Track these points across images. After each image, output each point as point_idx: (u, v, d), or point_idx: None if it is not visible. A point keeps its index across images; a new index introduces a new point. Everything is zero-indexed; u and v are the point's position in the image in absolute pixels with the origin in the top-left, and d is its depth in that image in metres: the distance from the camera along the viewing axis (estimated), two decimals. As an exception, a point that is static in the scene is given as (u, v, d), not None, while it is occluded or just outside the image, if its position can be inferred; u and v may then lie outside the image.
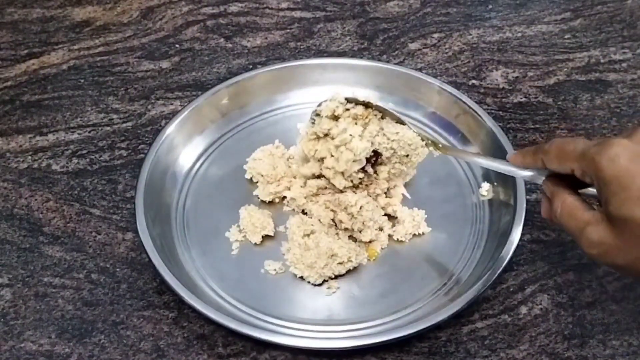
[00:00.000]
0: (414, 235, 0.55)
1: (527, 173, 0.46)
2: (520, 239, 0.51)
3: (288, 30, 0.77)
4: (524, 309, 0.51)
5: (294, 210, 0.57)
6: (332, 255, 0.51)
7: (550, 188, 0.43)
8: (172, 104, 0.68)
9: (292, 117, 0.64)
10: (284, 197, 0.57)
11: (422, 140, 0.53)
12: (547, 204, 0.44)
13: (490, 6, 0.80)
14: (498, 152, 0.57)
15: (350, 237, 0.53)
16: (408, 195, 0.57)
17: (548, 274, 0.53)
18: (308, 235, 0.53)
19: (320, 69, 0.66)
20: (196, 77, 0.71)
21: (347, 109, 0.53)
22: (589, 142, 0.39)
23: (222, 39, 0.76)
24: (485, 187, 0.58)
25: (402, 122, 0.53)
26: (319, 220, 0.54)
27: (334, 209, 0.54)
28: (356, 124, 0.53)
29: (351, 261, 0.52)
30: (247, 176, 0.59)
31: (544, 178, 0.44)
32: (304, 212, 0.56)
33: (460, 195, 0.58)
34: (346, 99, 0.52)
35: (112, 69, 0.72)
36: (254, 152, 0.60)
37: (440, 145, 0.53)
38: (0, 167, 0.62)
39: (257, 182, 0.58)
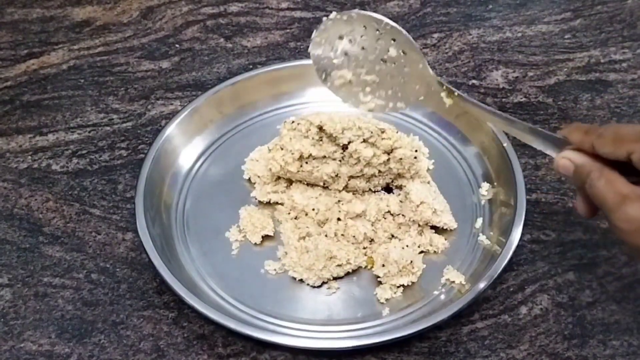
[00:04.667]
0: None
1: (543, 142, 0.45)
2: (520, 239, 0.51)
3: (288, 30, 0.77)
4: (524, 309, 0.51)
5: (289, 213, 0.56)
6: (330, 258, 0.51)
7: (577, 158, 0.42)
8: (172, 104, 0.68)
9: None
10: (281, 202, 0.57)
11: (438, 86, 0.51)
12: (581, 168, 0.42)
13: (490, 6, 0.80)
14: (498, 152, 0.57)
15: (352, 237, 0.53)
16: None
17: (548, 274, 0.53)
18: (304, 237, 0.53)
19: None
20: (196, 77, 0.71)
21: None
22: None
23: (222, 39, 0.76)
24: (485, 187, 0.58)
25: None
26: (318, 222, 0.54)
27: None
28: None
29: (350, 263, 0.51)
30: (245, 176, 0.59)
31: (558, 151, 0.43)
32: (296, 218, 0.56)
33: (460, 195, 0.58)
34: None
35: (112, 69, 0.72)
36: (252, 153, 0.60)
37: (456, 94, 0.51)
38: (0, 167, 0.62)
39: (254, 182, 0.58)
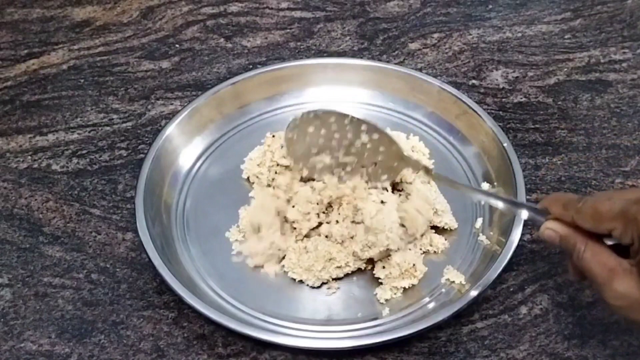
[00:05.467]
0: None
1: (526, 213, 0.45)
2: (520, 239, 0.51)
3: (288, 30, 0.77)
4: (524, 309, 0.51)
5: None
6: (330, 259, 0.51)
7: (561, 229, 0.41)
8: (172, 104, 0.68)
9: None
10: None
11: (414, 166, 0.53)
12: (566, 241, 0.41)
13: (490, 6, 0.80)
14: (498, 152, 0.57)
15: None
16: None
17: (548, 274, 0.53)
18: (301, 239, 0.53)
19: (320, 69, 0.66)
20: (196, 77, 0.71)
21: None
22: (625, 198, 0.37)
23: (222, 39, 0.76)
24: (485, 187, 0.57)
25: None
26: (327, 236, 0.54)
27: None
28: None
29: (349, 265, 0.51)
30: (244, 176, 0.59)
31: (543, 220, 0.42)
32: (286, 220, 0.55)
33: (460, 196, 0.57)
34: None
35: (112, 69, 0.72)
36: (250, 152, 0.60)
37: (432, 172, 0.53)
38: (0, 167, 0.62)
39: (253, 182, 0.58)
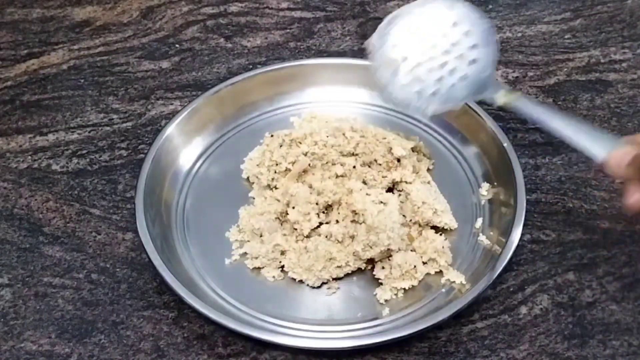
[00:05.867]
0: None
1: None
2: (520, 239, 0.51)
3: (288, 30, 0.77)
4: (524, 309, 0.51)
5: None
6: (330, 259, 0.51)
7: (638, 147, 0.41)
8: (172, 104, 0.68)
9: (292, 117, 0.64)
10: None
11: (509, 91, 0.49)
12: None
13: (490, 6, 0.80)
14: (498, 152, 0.57)
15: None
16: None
17: (548, 274, 0.53)
18: (302, 239, 0.53)
19: (320, 69, 0.66)
20: (196, 77, 0.71)
21: None
22: None
23: (222, 39, 0.76)
24: (485, 187, 0.57)
25: None
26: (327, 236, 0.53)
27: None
28: None
29: (349, 265, 0.51)
30: (244, 176, 0.59)
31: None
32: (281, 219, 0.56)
33: (460, 195, 0.58)
34: None
35: (112, 69, 0.72)
36: (250, 152, 0.60)
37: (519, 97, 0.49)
38: (0, 167, 0.62)
39: (253, 182, 0.58)
